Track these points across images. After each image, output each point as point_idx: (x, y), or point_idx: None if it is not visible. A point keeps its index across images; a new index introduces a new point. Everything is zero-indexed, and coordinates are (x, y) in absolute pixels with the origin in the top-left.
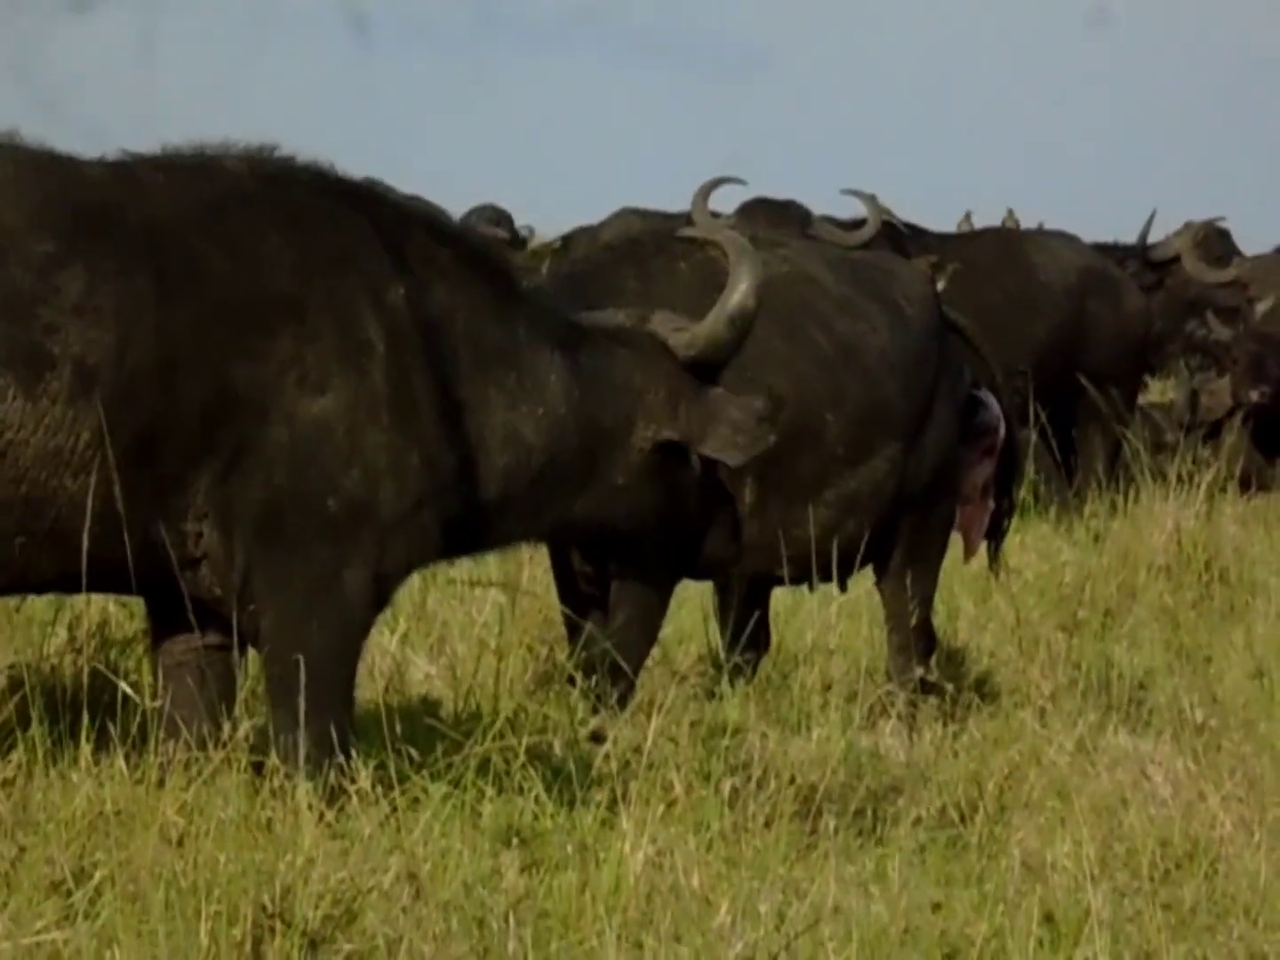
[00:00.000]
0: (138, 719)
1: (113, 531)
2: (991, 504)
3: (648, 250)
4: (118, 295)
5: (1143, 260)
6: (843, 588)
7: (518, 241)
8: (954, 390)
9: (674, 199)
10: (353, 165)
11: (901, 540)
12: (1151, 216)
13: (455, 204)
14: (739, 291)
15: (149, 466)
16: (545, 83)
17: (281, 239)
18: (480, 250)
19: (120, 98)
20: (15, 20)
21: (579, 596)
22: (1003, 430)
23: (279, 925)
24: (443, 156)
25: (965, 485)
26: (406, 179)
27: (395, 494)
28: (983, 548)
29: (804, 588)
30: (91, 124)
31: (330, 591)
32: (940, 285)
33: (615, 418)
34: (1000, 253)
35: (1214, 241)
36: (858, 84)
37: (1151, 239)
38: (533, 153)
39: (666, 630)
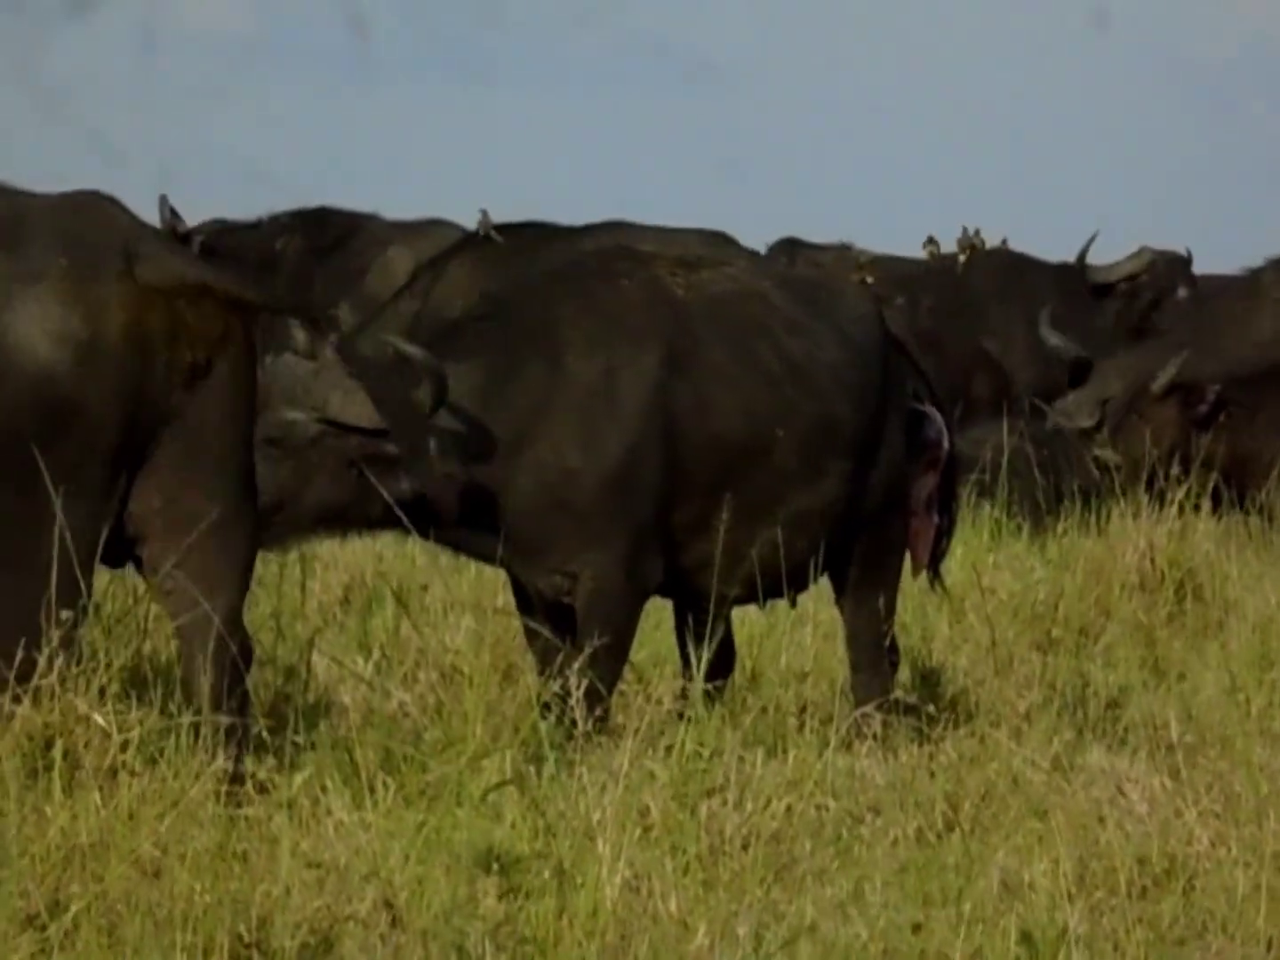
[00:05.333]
0: (111, 751)
1: None
2: (935, 518)
3: (589, 269)
4: None
5: (1086, 284)
6: (793, 604)
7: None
8: (900, 406)
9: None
10: (351, 166)
11: (857, 558)
12: (1093, 237)
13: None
14: None
15: None
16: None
17: None
18: None
19: (120, 98)
20: (15, 20)
21: (542, 616)
22: (946, 444)
23: (256, 955)
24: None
25: (910, 499)
26: (403, 179)
27: None
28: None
29: (776, 609)
30: (91, 124)
31: None
32: None
33: None
34: None
35: (1163, 270)
36: (846, 92)
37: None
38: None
39: (641, 654)
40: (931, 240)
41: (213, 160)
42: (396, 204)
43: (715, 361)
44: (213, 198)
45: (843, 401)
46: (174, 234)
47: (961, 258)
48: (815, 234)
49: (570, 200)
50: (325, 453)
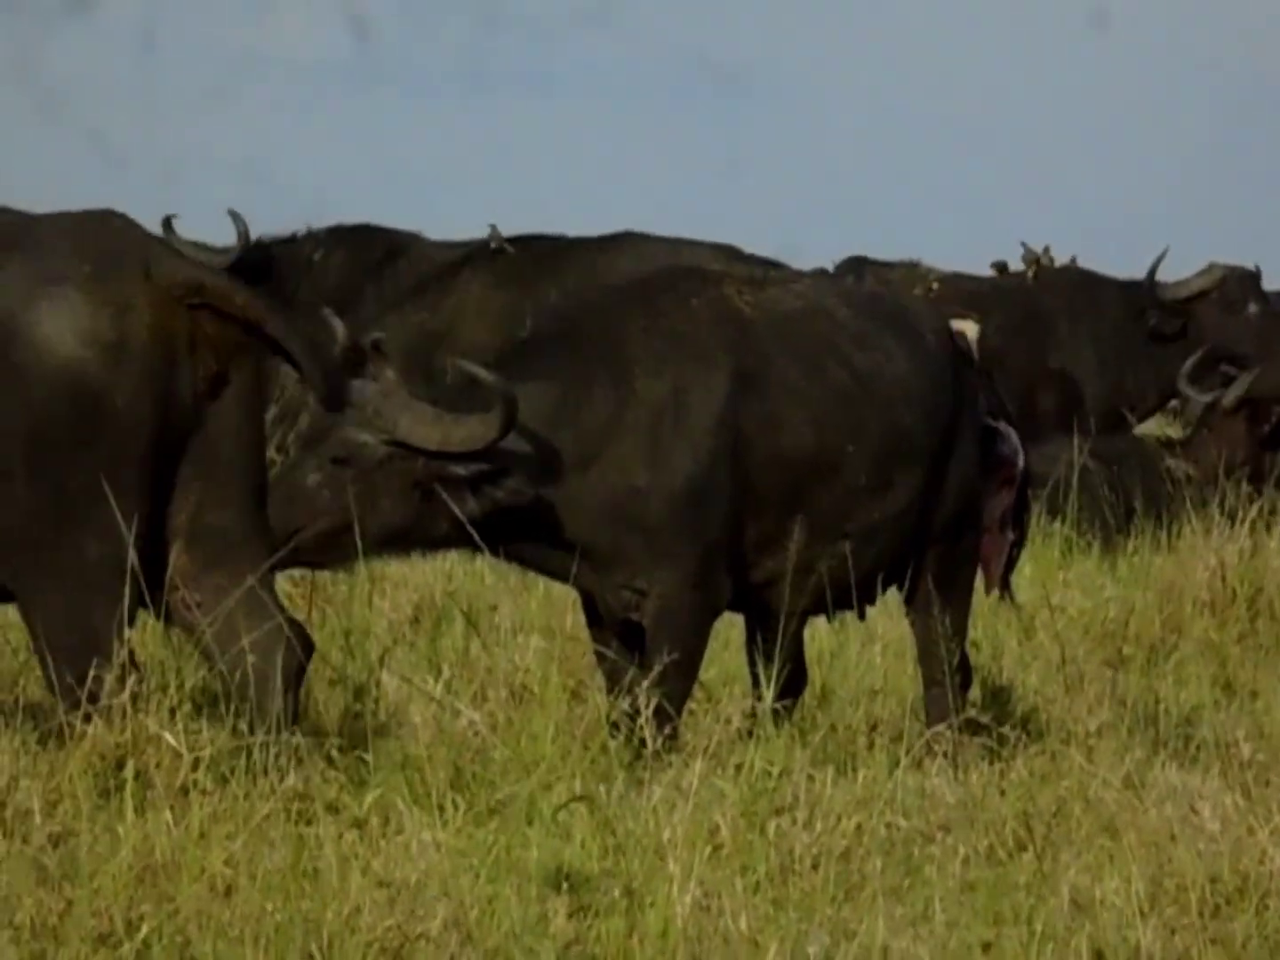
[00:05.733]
0: (182, 770)
1: None
2: (1011, 535)
3: (657, 288)
4: None
5: (1156, 301)
6: (861, 616)
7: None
8: (973, 421)
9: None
10: (350, 168)
11: (929, 573)
12: (1163, 254)
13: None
14: None
15: None
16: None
17: None
18: None
19: (120, 98)
20: (15, 20)
21: (612, 633)
22: (1021, 462)
23: None
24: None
25: (985, 516)
26: (403, 180)
27: None
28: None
29: (846, 627)
30: (91, 124)
31: None
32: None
33: None
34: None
35: (1234, 286)
36: (856, 97)
37: (1174, 277)
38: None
39: (711, 672)
40: (1000, 264)
41: (213, 161)
42: (394, 209)
43: (784, 379)
44: (213, 199)
45: (913, 415)
46: (245, 244)
47: (1030, 274)
48: (820, 244)
49: (578, 206)
50: (392, 474)
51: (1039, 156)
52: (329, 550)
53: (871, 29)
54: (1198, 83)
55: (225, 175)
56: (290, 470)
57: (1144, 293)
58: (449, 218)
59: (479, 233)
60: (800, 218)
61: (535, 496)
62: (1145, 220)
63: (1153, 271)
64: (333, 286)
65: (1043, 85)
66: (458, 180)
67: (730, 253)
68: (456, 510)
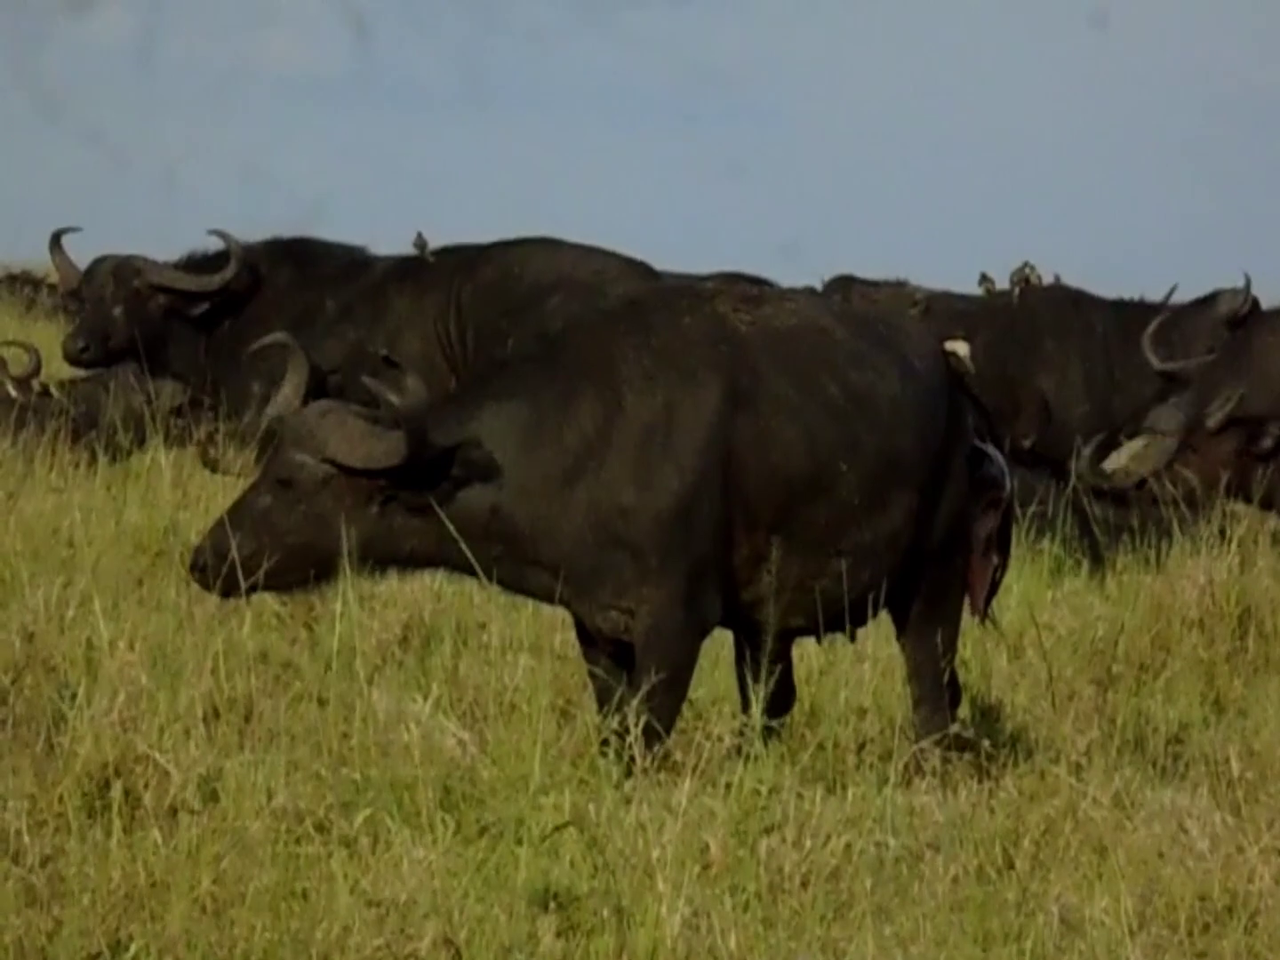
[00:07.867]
0: (170, 790)
1: None
2: (995, 559)
3: (649, 306)
4: None
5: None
6: (852, 638)
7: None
8: (963, 442)
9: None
10: (349, 167)
11: (920, 593)
12: (1172, 290)
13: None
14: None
15: None
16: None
17: None
18: None
19: (120, 98)
20: (15, 20)
21: (603, 653)
22: (1008, 485)
23: None
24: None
25: (971, 538)
26: (402, 186)
27: None
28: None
29: (835, 646)
30: (92, 124)
31: None
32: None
33: None
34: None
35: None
36: (854, 100)
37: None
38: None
39: (700, 691)
40: (986, 277)
41: (213, 162)
42: (393, 213)
43: (778, 396)
44: (213, 200)
45: (906, 435)
46: (239, 265)
47: (1016, 292)
48: (820, 246)
49: (577, 210)
50: (341, 492)
51: (1031, 164)
52: (296, 572)
53: (870, 33)
54: (1184, 99)
55: (225, 177)
56: (247, 493)
57: (1132, 311)
58: (448, 223)
59: (483, 238)
60: (799, 223)
61: (518, 513)
62: (1127, 239)
63: (1164, 303)
64: (287, 300)
65: (1041, 91)
66: (457, 187)
67: (644, 270)
68: (450, 527)
